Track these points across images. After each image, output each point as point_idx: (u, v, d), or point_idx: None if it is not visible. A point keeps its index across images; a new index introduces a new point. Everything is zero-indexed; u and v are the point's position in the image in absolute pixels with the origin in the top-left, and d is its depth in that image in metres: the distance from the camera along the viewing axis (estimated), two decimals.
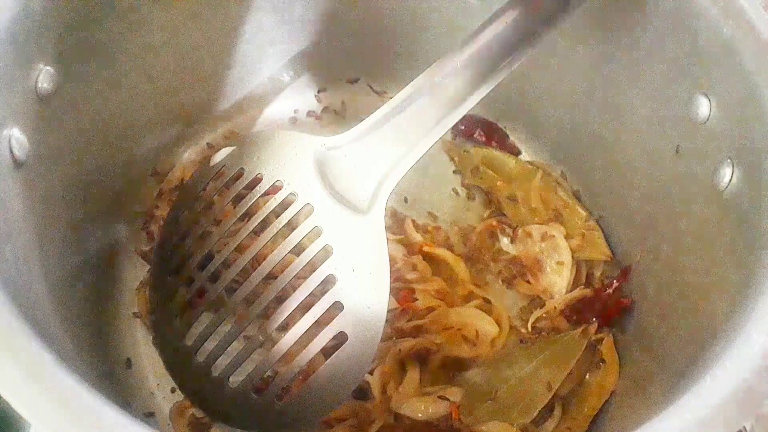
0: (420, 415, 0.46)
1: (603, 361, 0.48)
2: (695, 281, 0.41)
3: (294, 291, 0.44)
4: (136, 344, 0.46)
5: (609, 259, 0.53)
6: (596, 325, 0.49)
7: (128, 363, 0.46)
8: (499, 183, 0.57)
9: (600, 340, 0.49)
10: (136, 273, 0.50)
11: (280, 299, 0.44)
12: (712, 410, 0.28)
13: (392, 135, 0.45)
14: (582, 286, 0.52)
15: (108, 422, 0.26)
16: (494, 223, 0.55)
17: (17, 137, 0.35)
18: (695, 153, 0.42)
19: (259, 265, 0.45)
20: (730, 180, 0.38)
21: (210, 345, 0.44)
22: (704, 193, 0.40)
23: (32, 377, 0.27)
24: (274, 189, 0.46)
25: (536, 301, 0.52)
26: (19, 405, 0.26)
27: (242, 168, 0.48)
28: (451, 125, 0.44)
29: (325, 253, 0.44)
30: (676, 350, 0.40)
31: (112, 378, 0.43)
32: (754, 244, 0.36)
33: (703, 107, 0.41)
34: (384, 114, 0.45)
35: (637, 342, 0.48)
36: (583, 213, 0.55)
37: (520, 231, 0.54)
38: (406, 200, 0.56)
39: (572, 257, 0.53)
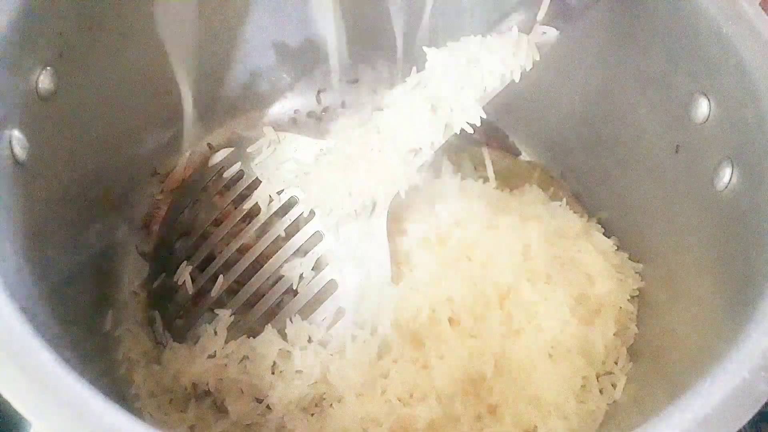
0: None
1: None
2: (695, 281, 0.41)
3: (295, 295, 0.44)
4: (136, 344, 0.46)
5: None
6: None
7: (128, 363, 0.46)
8: (499, 183, 0.57)
9: None
10: (136, 273, 0.50)
11: (281, 303, 0.44)
12: (712, 410, 0.28)
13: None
14: None
15: (108, 422, 0.26)
16: None
17: (17, 137, 0.35)
18: (695, 153, 0.42)
19: (260, 267, 0.45)
20: (730, 180, 0.38)
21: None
22: (704, 193, 0.40)
23: (32, 377, 0.27)
24: (274, 192, 0.46)
25: None
26: (19, 405, 0.26)
27: (242, 170, 0.48)
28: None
29: (327, 257, 0.44)
30: (676, 350, 0.40)
31: (112, 378, 0.43)
32: (753, 244, 0.36)
33: (703, 107, 0.41)
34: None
35: (638, 343, 0.48)
36: (583, 213, 0.55)
37: None
38: (405, 202, 0.56)
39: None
